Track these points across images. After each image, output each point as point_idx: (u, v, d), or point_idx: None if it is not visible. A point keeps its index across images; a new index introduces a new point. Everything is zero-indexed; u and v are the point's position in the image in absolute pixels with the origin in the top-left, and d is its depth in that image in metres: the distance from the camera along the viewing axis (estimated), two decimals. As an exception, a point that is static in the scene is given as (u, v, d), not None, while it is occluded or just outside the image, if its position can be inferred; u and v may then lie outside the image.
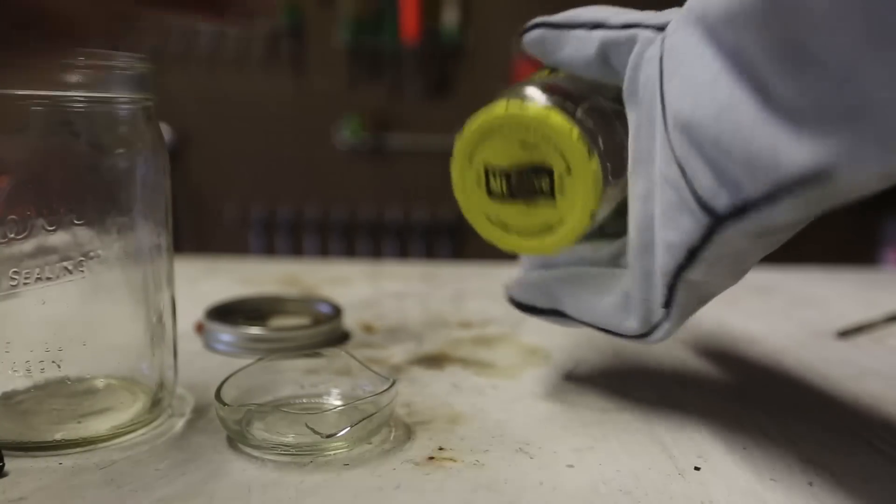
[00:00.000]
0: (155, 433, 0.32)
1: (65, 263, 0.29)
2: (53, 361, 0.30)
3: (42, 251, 0.29)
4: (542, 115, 0.29)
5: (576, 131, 0.29)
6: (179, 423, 0.33)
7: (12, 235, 0.28)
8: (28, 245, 0.29)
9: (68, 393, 0.31)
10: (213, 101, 2.08)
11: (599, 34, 0.30)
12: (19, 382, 0.30)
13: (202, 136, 2.09)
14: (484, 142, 0.31)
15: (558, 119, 0.29)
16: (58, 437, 0.30)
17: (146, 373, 0.32)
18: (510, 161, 0.31)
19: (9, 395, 0.30)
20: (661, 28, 0.29)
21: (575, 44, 0.31)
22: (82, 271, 0.30)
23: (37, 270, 0.29)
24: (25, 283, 0.29)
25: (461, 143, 0.32)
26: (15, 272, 0.29)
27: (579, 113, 0.30)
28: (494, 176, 0.32)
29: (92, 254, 0.30)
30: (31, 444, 0.29)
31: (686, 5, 0.27)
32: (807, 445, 0.31)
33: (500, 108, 0.30)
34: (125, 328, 0.32)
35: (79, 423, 0.30)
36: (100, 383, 0.32)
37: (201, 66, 2.07)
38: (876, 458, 0.31)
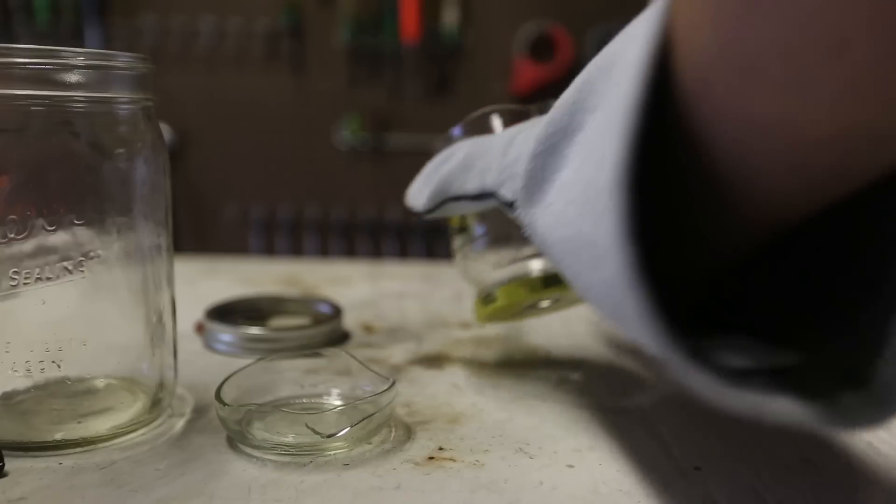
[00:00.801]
0: (155, 433, 0.32)
1: (65, 263, 0.29)
2: (53, 361, 0.30)
3: (42, 251, 0.29)
4: (508, 305, 0.37)
5: (536, 287, 0.36)
6: (179, 423, 0.33)
7: (12, 235, 0.28)
8: (28, 245, 0.29)
9: (68, 393, 0.31)
10: (213, 101, 2.08)
11: (472, 206, 0.34)
12: (19, 382, 0.30)
13: (202, 136, 2.09)
14: (491, 322, 0.39)
15: (513, 299, 0.36)
16: (58, 437, 0.30)
17: (146, 373, 0.32)
18: (523, 305, 0.38)
19: (9, 395, 0.30)
20: (509, 204, 0.30)
21: (457, 210, 0.35)
22: (82, 271, 0.30)
23: (37, 270, 0.29)
24: (25, 283, 0.29)
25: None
26: (15, 272, 0.29)
27: (524, 253, 0.37)
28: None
29: (92, 254, 0.30)
30: (31, 444, 0.29)
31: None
32: (807, 445, 0.31)
33: (480, 311, 0.38)
34: (125, 328, 0.32)
35: (79, 423, 0.30)
36: (100, 383, 0.32)
37: (201, 66, 2.07)
38: (876, 458, 0.31)
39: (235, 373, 0.33)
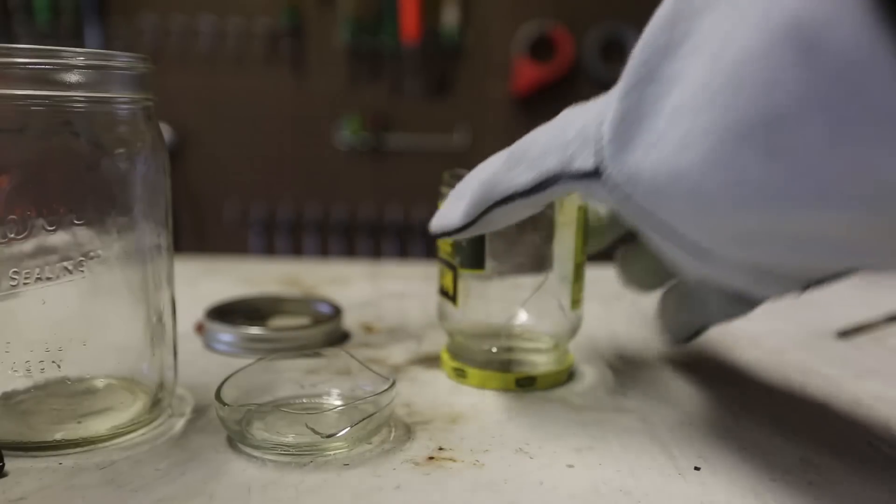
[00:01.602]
0: (155, 433, 0.32)
1: (65, 263, 0.29)
2: (53, 361, 0.30)
3: (42, 251, 0.29)
4: (475, 385, 0.38)
5: (509, 384, 0.37)
6: (179, 423, 0.33)
7: (12, 235, 0.28)
8: (28, 245, 0.29)
9: (68, 393, 0.31)
10: (213, 101, 2.08)
11: (524, 205, 0.30)
12: (19, 382, 0.30)
13: (202, 136, 2.09)
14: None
15: (481, 384, 0.38)
16: (58, 437, 0.30)
17: (146, 373, 0.32)
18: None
19: (9, 395, 0.30)
20: (590, 174, 0.27)
21: (503, 218, 0.31)
22: (82, 271, 0.30)
23: (37, 270, 0.29)
24: (25, 283, 0.29)
25: None
26: (15, 272, 0.29)
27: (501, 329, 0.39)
28: None
29: (92, 254, 0.30)
30: (31, 444, 0.29)
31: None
32: (807, 445, 0.31)
33: (447, 368, 0.39)
34: (125, 328, 0.32)
35: (79, 423, 0.30)
36: (100, 383, 0.32)
37: (201, 66, 2.07)
38: (876, 458, 0.31)
39: (235, 373, 0.33)
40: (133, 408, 0.32)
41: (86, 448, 0.30)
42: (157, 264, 0.32)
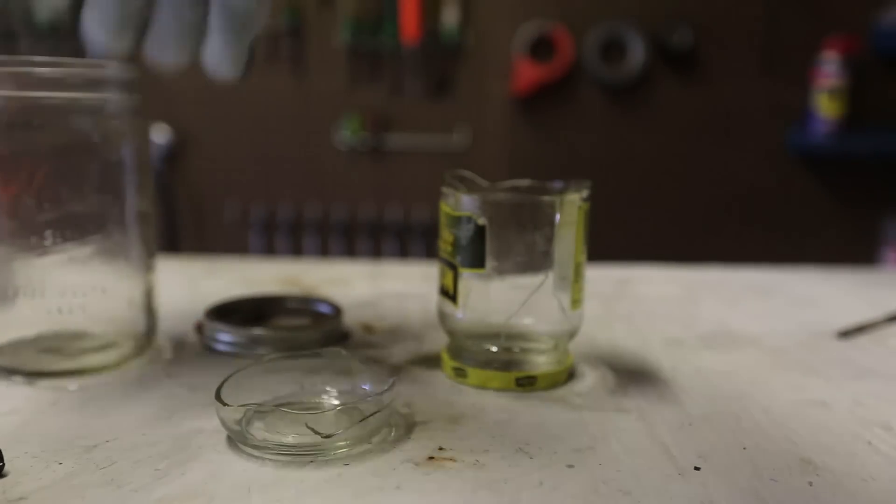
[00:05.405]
0: (155, 433, 0.32)
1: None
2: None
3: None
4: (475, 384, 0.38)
5: (508, 383, 0.37)
6: (181, 423, 0.33)
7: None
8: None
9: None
10: (213, 101, 2.08)
11: None
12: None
13: (202, 136, 2.09)
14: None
15: (482, 384, 0.38)
16: None
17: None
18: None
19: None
20: None
21: None
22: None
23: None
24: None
25: None
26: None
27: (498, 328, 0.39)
28: None
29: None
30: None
31: None
32: (807, 445, 0.31)
33: (447, 367, 0.39)
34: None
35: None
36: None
37: (201, 66, 2.07)
38: (876, 458, 0.31)
39: (235, 373, 0.33)
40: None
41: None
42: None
